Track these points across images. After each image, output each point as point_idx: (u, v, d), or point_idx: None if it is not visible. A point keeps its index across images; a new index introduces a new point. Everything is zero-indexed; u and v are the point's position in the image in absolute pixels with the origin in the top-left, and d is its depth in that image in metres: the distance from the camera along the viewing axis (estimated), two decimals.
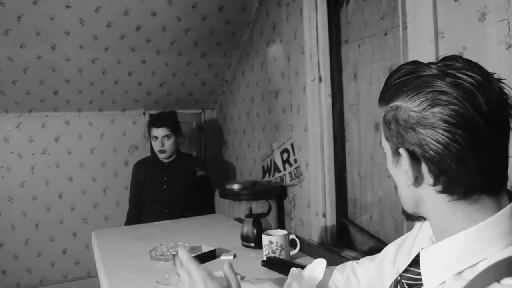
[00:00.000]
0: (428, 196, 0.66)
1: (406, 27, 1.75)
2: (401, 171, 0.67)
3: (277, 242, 1.45)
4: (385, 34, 2.06)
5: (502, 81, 0.62)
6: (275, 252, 1.45)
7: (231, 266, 0.83)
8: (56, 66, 2.93)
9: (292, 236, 1.51)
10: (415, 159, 0.64)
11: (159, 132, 2.59)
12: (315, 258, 1.09)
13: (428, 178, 0.64)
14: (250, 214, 1.77)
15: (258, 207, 2.74)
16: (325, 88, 2.43)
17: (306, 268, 1.07)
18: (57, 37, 2.75)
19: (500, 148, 0.62)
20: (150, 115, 3.42)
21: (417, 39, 1.65)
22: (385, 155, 0.73)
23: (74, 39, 2.80)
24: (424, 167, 0.64)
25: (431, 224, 0.69)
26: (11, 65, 2.80)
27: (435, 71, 0.62)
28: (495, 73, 0.63)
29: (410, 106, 0.63)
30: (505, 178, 0.65)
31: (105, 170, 3.49)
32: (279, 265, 1.37)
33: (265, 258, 1.46)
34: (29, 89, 3.02)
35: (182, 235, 1.90)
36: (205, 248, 1.58)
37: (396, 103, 0.65)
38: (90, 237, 2.04)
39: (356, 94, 2.33)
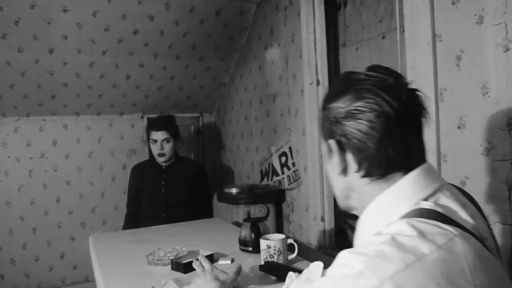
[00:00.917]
0: (354, 183, 0.78)
1: (403, 30, 1.75)
2: (333, 164, 0.79)
3: (275, 247, 1.45)
4: (383, 37, 2.06)
5: (416, 88, 0.76)
6: (273, 257, 1.44)
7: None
8: (54, 70, 2.93)
9: (290, 240, 1.51)
10: (342, 148, 0.77)
11: (159, 135, 2.59)
12: (313, 262, 1.08)
13: (353, 165, 0.76)
14: (248, 218, 1.76)
15: (257, 211, 2.73)
16: (323, 91, 2.42)
17: (303, 272, 1.06)
18: (54, 41, 2.75)
19: (412, 138, 0.74)
20: (148, 119, 3.42)
21: (414, 42, 1.64)
22: None
23: (71, 43, 2.79)
24: (349, 156, 0.76)
25: (361, 211, 0.79)
26: (9, 69, 2.80)
27: (361, 76, 0.75)
28: (412, 81, 0.77)
29: (338, 104, 0.76)
30: (422, 160, 0.76)
31: (103, 174, 3.48)
32: (277, 270, 1.36)
33: (263, 263, 1.45)
34: (27, 93, 3.01)
35: (179, 239, 1.89)
36: (203, 253, 1.57)
37: (329, 105, 0.78)
38: (88, 241, 2.03)
39: None
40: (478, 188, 1.40)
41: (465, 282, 0.62)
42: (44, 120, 3.27)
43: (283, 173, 2.83)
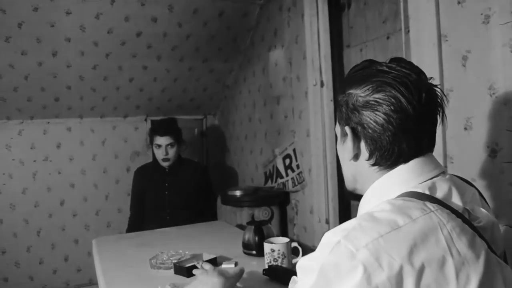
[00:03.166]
0: (363, 169, 0.81)
1: (408, 31, 1.73)
2: (345, 149, 0.81)
3: (279, 250, 1.43)
4: (387, 38, 2.04)
5: (436, 84, 0.77)
6: (277, 260, 1.43)
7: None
8: (57, 72, 2.93)
9: (294, 244, 1.49)
10: (356, 136, 0.79)
11: (163, 140, 2.58)
12: None
13: (364, 154, 0.79)
14: (251, 221, 1.75)
15: (261, 213, 2.71)
16: (327, 92, 2.40)
17: None
18: (58, 44, 2.75)
19: (426, 134, 0.77)
20: (152, 121, 3.41)
21: (419, 42, 1.62)
22: None
23: (75, 45, 2.79)
24: (362, 144, 0.79)
25: (365, 194, 0.82)
26: (12, 72, 2.80)
27: (384, 68, 0.76)
28: (431, 77, 0.78)
29: (358, 92, 0.77)
30: (429, 151, 0.79)
31: (106, 176, 3.48)
32: (281, 274, 1.35)
33: (266, 267, 1.43)
34: (31, 96, 3.01)
35: (183, 242, 1.88)
36: (206, 256, 1.55)
37: (349, 91, 0.79)
38: (91, 244, 2.02)
39: None
40: (485, 190, 1.38)
41: (441, 250, 0.64)
42: (48, 123, 3.28)
43: (287, 175, 2.81)
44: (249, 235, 1.64)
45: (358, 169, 0.82)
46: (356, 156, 0.81)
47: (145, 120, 3.59)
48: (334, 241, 0.66)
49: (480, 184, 1.40)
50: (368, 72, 0.77)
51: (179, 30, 2.97)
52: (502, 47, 1.31)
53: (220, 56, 3.36)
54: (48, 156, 3.29)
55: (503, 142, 1.33)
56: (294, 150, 2.72)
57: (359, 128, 0.78)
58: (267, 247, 1.45)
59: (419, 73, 0.76)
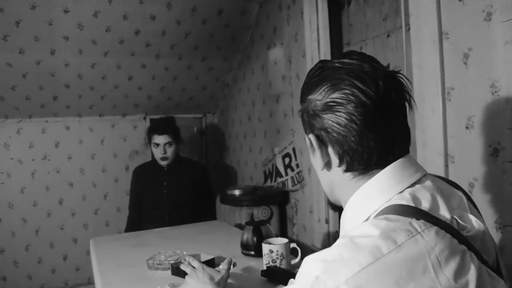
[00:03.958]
0: (337, 178, 0.75)
1: (409, 28, 1.71)
2: (316, 159, 0.76)
3: (277, 251, 1.41)
4: (388, 35, 2.02)
5: (397, 71, 0.73)
6: (275, 261, 1.41)
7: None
8: (56, 71, 2.91)
9: (293, 245, 1.47)
10: (322, 143, 0.74)
11: (161, 139, 2.56)
12: None
13: (335, 160, 0.74)
14: (250, 222, 1.73)
15: (260, 213, 2.70)
16: None
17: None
18: (56, 42, 2.73)
19: (394, 127, 0.71)
20: (151, 120, 3.40)
21: (420, 40, 1.60)
22: None
23: (73, 44, 2.77)
24: (330, 150, 0.74)
25: (344, 204, 0.77)
26: (10, 71, 2.78)
27: (336, 64, 0.72)
28: (388, 64, 0.74)
29: (316, 96, 0.73)
30: (404, 152, 0.73)
31: (105, 175, 3.46)
32: (279, 275, 1.33)
33: (265, 268, 1.41)
34: (29, 94, 3.00)
35: (181, 243, 1.86)
36: (204, 257, 1.54)
37: (307, 97, 0.75)
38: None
39: None
40: (487, 190, 1.36)
41: (428, 280, 0.59)
42: (47, 121, 3.26)
43: (286, 174, 2.79)
44: (247, 235, 1.63)
45: (333, 178, 0.77)
46: (328, 165, 0.76)
47: (144, 118, 3.57)
48: (313, 276, 0.61)
49: (481, 184, 1.38)
50: (322, 74, 0.73)
51: (178, 28, 2.95)
52: (504, 45, 1.29)
53: (219, 54, 3.34)
54: (47, 155, 3.28)
55: (505, 141, 1.31)
56: (293, 149, 2.70)
57: (323, 133, 0.73)
58: (265, 248, 1.43)
59: (372, 61, 0.72)
